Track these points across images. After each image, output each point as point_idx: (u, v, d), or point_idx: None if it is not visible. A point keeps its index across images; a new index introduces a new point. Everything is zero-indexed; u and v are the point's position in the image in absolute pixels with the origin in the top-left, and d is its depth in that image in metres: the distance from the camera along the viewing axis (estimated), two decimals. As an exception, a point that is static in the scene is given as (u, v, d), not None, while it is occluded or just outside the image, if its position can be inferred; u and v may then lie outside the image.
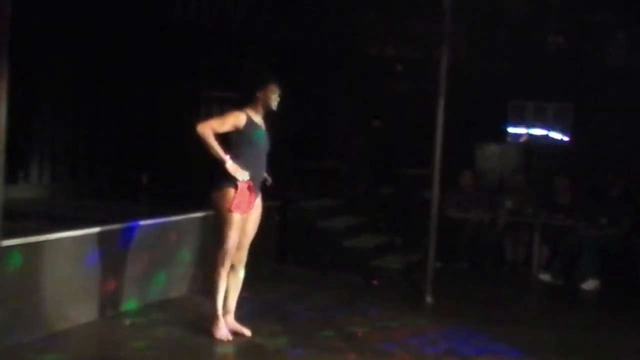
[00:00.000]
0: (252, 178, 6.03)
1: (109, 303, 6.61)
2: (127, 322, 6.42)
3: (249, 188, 5.99)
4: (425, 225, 7.76)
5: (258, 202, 6.19)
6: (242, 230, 6.09)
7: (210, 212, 7.50)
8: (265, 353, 5.96)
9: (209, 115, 9.91)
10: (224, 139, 6.03)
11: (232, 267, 6.17)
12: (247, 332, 6.30)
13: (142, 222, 6.96)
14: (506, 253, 9.91)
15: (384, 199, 10.71)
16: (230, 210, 5.94)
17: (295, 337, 6.26)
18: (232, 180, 5.91)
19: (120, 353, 5.70)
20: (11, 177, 8.05)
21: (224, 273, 6.08)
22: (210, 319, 6.22)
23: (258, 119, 6.18)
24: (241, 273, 6.27)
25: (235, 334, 6.26)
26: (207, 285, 6.51)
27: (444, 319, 7.12)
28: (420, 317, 7.27)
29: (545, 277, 9.13)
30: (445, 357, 5.94)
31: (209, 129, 5.93)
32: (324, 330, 6.51)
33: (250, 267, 6.37)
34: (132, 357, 5.62)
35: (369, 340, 6.30)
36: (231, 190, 5.92)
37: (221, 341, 6.06)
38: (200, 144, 5.91)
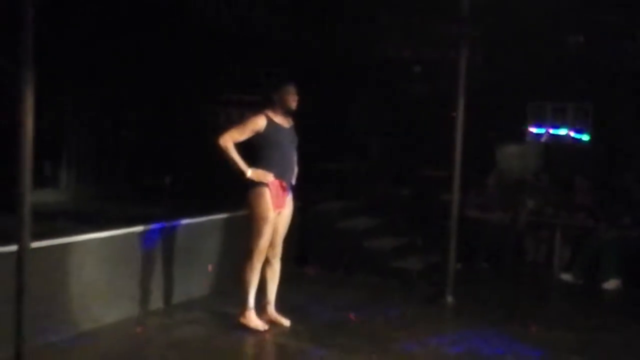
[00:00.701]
0: (280, 176, 6.17)
1: (135, 303, 6.71)
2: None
3: (281, 185, 6.14)
4: (445, 226, 7.78)
5: (289, 200, 6.32)
6: (275, 227, 6.24)
7: (231, 214, 7.63)
8: (288, 353, 6.05)
9: (228, 118, 10.06)
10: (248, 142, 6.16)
11: (268, 261, 6.38)
12: (286, 322, 6.50)
13: (166, 224, 7.06)
14: (527, 253, 9.92)
15: (403, 200, 10.72)
16: (269, 209, 6.10)
17: (317, 337, 6.30)
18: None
19: (146, 352, 5.78)
20: (39, 181, 8.19)
21: (257, 267, 6.27)
22: (241, 312, 6.38)
23: (279, 119, 6.27)
24: (277, 266, 6.50)
25: (273, 324, 6.40)
26: (234, 282, 6.61)
27: (464, 320, 7.15)
28: (441, 317, 7.29)
29: (566, 277, 9.10)
30: (466, 357, 5.97)
31: (230, 140, 6.07)
32: (345, 331, 6.56)
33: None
34: (158, 355, 5.71)
35: (391, 340, 6.32)
36: (266, 190, 6.08)
37: (252, 333, 6.24)
38: (221, 153, 6.03)
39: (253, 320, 6.39)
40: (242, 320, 6.41)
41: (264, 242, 6.23)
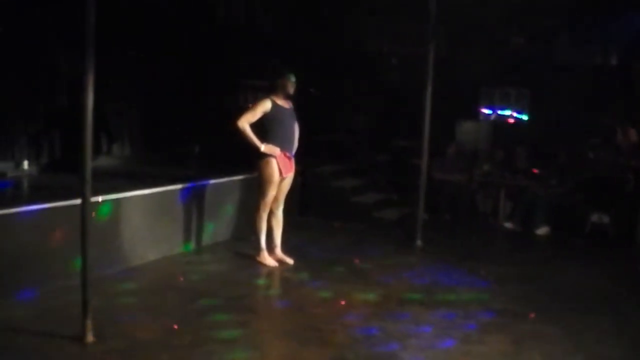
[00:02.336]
0: (286, 147, 6.17)
1: (171, 245, 6.73)
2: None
3: (285, 156, 6.13)
4: (416, 185, 7.77)
5: (292, 165, 6.32)
6: (279, 187, 6.25)
7: (247, 176, 7.61)
8: (291, 284, 6.08)
9: (245, 98, 10.01)
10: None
11: (272, 212, 6.38)
12: (290, 261, 6.53)
13: (196, 184, 7.05)
14: (478, 206, 9.95)
15: (382, 164, 10.71)
16: (281, 175, 6.17)
17: (314, 271, 6.33)
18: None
19: (181, 283, 5.81)
20: (97, 150, 8.15)
21: (264, 217, 6.35)
22: (256, 252, 6.45)
23: (281, 101, 6.24)
24: (280, 216, 6.52)
25: (280, 262, 6.45)
26: (249, 230, 6.64)
27: (430, 258, 7.18)
28: (411, 256, 7.31)
29: (508, 225, 9.13)
30: (431, 287, 6.01)
31: (246, 122, 6.07)
32: (337, 266, 6.59)
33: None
34: (189, 286, 5.73)
35: (372, 274, 6.38)
36: (273, 160, 6.07)
37: (264, 268, 6.35)
38: (239, 132, 6.03)
39: (265, 258, 6.44)
40: (257, 258, 6.46)
41: (268, 199, 6.26)
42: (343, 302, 5.39)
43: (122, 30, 7.91)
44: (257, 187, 6.36)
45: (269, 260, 6.42)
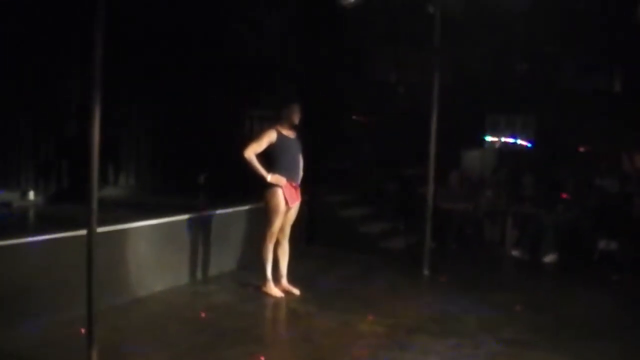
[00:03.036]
0: (291, 177, 6.17)
1: (179, 275, 6.70)
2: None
3: (292, 185, 6.13)
4: (422, 214, 7.74)
5: (299, 195, 6.31)
6: (286, 217, 6.24)
7: (253, 206, 7.60)
8: (298, 315, 6.00)
9: (250, 129, 10.04)
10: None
11: (279, 242, 6.36)
12: (296, 291, 6.48)
13: (202, 214, 7.04)
14: (485, 235, 9.89)
15: (389, 193, 10.68)
16: (287, 205, 6.15)
17: (321, 302, 6.28)
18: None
19: (187, 314, 5.76)
20: (103, 180, 8.17)
21: (270, 247, 6.32)
22: (262, 283, 6.41)
23: (286, 131, 6.26)
24: (286, 246, 6.50)
25: (287, 293, 6.41)
26: (255, 259, 6.59)
27: (437, 288, 7.13)
28: (419, 286, 7.27)
29: (515, 253, 9.07)
30: (439, 316, 5.95)
31: (252, 152, 6.09)
32: (345, 297, 6.53)
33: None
34: (195, 317, 5.68)
35: (379, 304, 6.31)
36: (279, 190, 6.07)
37: (271, 299, 6.30)
38: (246, 163, 6.04)
39: (271, 289, 6.39)
40: (263, 289, 6.42)
41: (275, 228, 6.25)
42: (350, 333, 5.33)
43: (130, 61, 7.98)
44: (263, 217, 6.35)
45: (274, 291, 6.38)
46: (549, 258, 8.76)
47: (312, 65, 10.63)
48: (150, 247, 6.29)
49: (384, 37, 11.06)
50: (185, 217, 6.77)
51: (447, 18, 7.61)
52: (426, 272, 7.62)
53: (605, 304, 6.63)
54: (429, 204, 7.66)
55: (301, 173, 6.37)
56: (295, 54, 10.83)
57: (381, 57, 12.02)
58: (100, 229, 4.44)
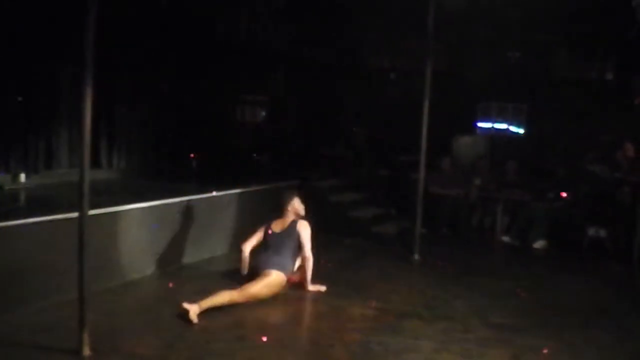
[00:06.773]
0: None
1: (169, 259, 6.67)
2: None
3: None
4: (414, 199, 7.74)
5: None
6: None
7: (244, 189, 7.57)
8: (289, 299, 5.95)
9: (242, 113, 10.03)
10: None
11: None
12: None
13: (194, 197, 7.01)
14: (476, 221, 9.91)
15: (381, 179, 10.69)
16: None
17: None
18: None
19: (179, 296, 5.72)
20: (96, 163, 8.12)
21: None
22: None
23: (278, 227, 6.18)
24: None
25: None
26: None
27: (428, 272, 7.13)
28: (410, 270, 7.27)
29: (506, 239, 9.11)
30: (430, 301, 5.95)
31: (247, 246, 6.15)
32: (338, 281, 6.50)
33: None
34: (188, 299, 5.63)
35: (370, 288, 6.31)
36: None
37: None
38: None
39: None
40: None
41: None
42: (341, 317, 5.33)
43: (123, 46, 7.92)
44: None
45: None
46: (539, 244, 8.79)
47: (304, 51, 10.58)
48: (143, 230, 6.26)
49: (378, 23, 11.00)
50: (176, 200, 6.74)
51: (442, 3, 7.57)
52: (417, 257, 7.63)
53: (594, 290, 6.66)
54: (420, 189, 7.65)
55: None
56: (287, 39, 10.78)
57: (374, 43, 11.97)
58: (92, 212, 4.41)
